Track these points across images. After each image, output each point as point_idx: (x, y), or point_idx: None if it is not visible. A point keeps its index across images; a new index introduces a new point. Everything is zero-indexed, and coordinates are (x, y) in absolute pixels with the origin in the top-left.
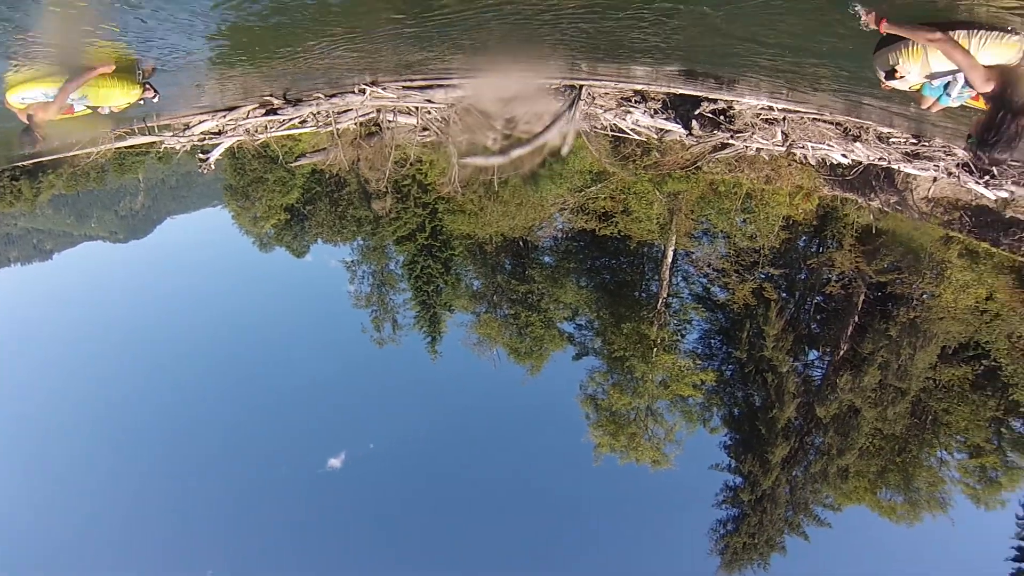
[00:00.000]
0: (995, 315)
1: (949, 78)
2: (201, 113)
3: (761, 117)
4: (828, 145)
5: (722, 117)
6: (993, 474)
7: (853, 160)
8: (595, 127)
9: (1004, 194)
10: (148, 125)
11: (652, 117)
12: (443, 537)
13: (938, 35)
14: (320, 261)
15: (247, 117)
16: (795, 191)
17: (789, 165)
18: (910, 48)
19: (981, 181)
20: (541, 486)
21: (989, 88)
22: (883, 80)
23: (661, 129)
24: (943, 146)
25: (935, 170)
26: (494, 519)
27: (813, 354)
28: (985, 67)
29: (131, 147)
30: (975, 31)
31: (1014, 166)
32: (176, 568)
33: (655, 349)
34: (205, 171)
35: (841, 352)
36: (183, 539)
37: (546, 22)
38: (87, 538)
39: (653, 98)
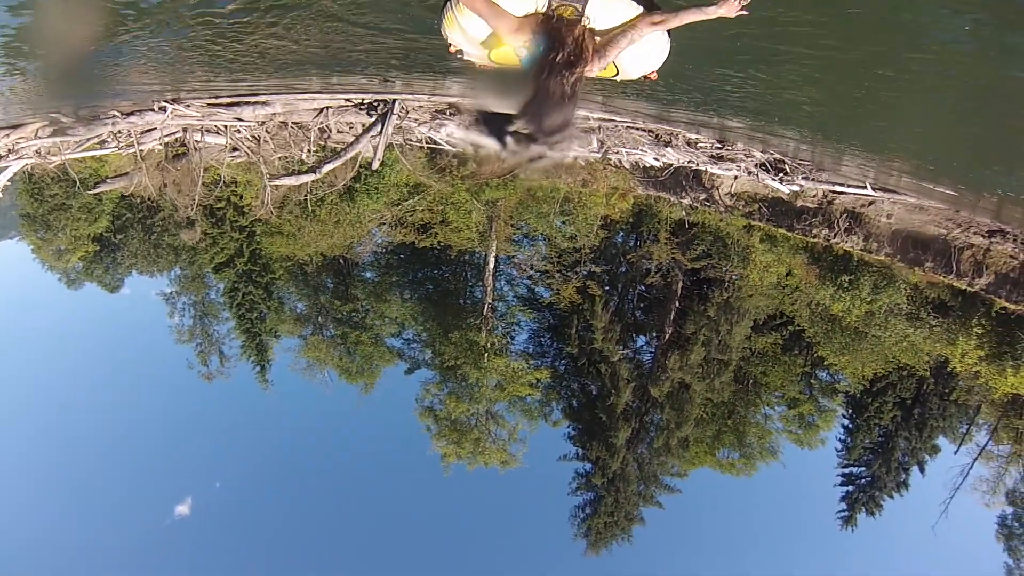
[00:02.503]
0: (794, 288)
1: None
2: None
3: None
4: (641, 150)
5: None
6: (810, 419)
7: (664, 163)
8: (409, 140)
9: (796, 188)
10: None
11: (466, 130)
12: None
13: None
14: (138, 294)
15: (35, 137)
16: (611, 192)
17: (604, 169)
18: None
19: (776, 178)
20: (396, 501)
21: (522, 40)
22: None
23: (474, 144)
24: (743, 149)
25: (737, 170)
26: (356, 543)
27: (641, 340)
28: (516, 17)
29: None
30: None
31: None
32: None
33: (486, 354)
34: None
35: (667, 335)
36: None
37: (350, 37)
38: None
39: (467, 111)
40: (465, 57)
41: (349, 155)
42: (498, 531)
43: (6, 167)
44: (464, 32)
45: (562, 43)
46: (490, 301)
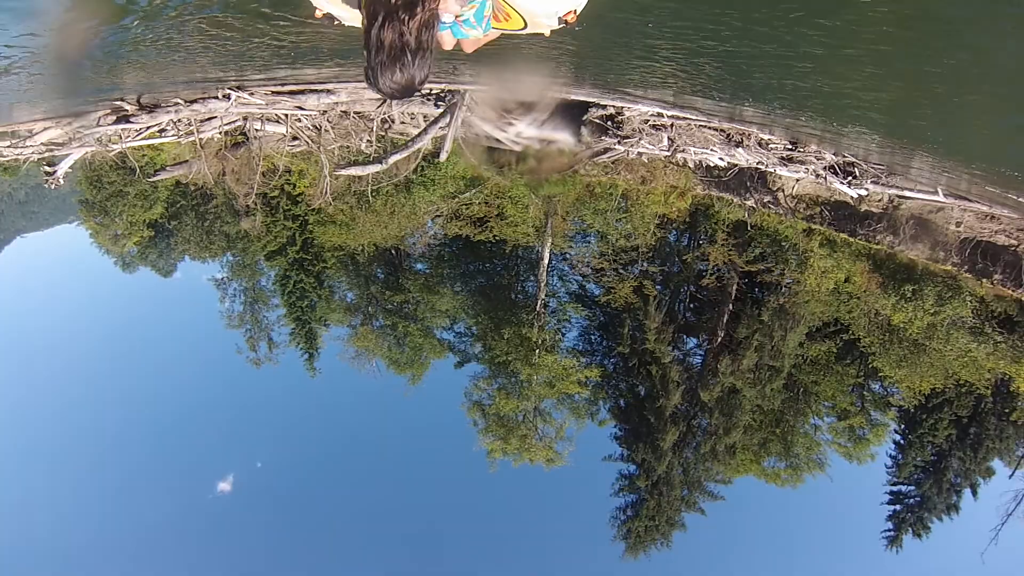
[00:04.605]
0: (852, 296)
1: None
2: (44, 119)
3: (649, 123)
4: (711, 150)
5: (610, 123)
6: (861, 432)
7: (729, 163)
8: (474, 133)
9: (864, 192)
10: None
11: (539, 128)
12: (347, 553)
13: None
14: (190, 278)
15: (97, 124)
16: (670, 190)
17: (665, 167)
18: None
19: (844, 181)
20: (438, 492)
21: None
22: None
23: (546, 140)
24: (815, 151)
25: (805, 172)
26: (397, 533)
27: (692, 342)
28: None
29: None
30: None
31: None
32: None
33: (537, 351)
34: (53, 186)
35: (718, 339)
36: None
37: None
38: None
39: (538, 107)
40: (336, 24)
41: (416, 147)
42: (538, 528)
43: (68, 154)
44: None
45: None
46: (543, 297)
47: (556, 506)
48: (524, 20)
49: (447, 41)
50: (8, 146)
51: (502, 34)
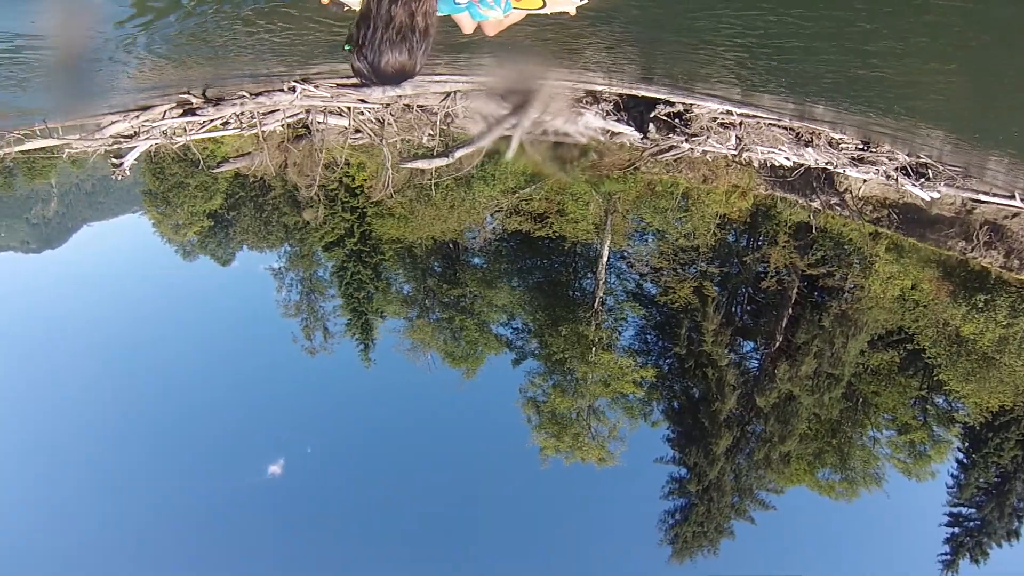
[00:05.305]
0: (919, 304)
1: None
2: (112, 113)
3: (718, 122)
4: (779, 149)
5: (677, 120)
6: (922, 448)
7: (795, 163)
8: (542, 128)
9: (936, 195)
10: (50, 127)
11: (604, 119)
12: (391, 541)
13: None
14: (247, 267)
15: (163, 118)
16: (731, 190)
17: (727, 166)
18: None
19: (917, 183)
20: (486, 486)
21: None
22: None
23: (611, 132)
24: (888, 151)
25: (875, 173)
26: (442, 525)
27: (749, 346)
28: None
29: (35, 151)
30: None
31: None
32: None
33: (594, 349)
34: (120, 177)
35: (776, 343)
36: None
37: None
38: None
39: (606, 99)
40: (346, 10)
41: (484, 142)
42: (586, 528)
43: (135, 147)
44: None
45: None
46: (601, 295)
47: (605, 506)
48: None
49: (467, 24)
50: (79, 139)
51: (528, 14)
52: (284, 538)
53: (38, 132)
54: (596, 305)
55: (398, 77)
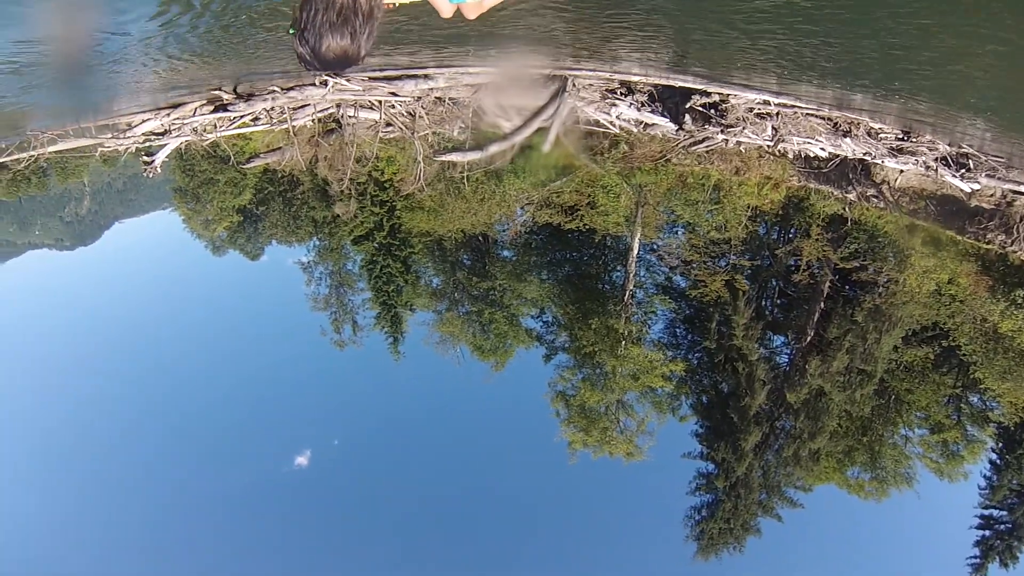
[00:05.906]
0: (955, 299)
1: None
2: (143, 111)
3: (754, 112)
4: (816, 140)
5: (713, 111)
6: (955, 448)
7: (831, 154)
8: (575, 119)
9: (976, 186)
10: (83, 127)
11: (639, 110)
12: (417, 535)
13: None
14: (276, 262)
15: (194, 115)
16: (764, 181)
17: (760, 157)
18: None
19: (957, 174)
20: (513, 480)
21: None
22: None
23: (645, 123)
24: (929, 141)
25: (914, 164)
26: (469, 517)
27: (779, 340)
28: None
29: (68, 151)
30: None
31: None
32: None
33: (624, 342)
34: (151, 175)
35: (808, 338)
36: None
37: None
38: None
39: (640, 90)
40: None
41: (520, 137)
42: (612, 522)
43: (165, 144)
44: None
45: None
46: (631, 288)
47: (631, 501)
48: None
49: (445, 8)
50: (111, 137)
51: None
52: (309, 528)
53: (71, 132)
54: (626, 298)
55: (340, 62)
